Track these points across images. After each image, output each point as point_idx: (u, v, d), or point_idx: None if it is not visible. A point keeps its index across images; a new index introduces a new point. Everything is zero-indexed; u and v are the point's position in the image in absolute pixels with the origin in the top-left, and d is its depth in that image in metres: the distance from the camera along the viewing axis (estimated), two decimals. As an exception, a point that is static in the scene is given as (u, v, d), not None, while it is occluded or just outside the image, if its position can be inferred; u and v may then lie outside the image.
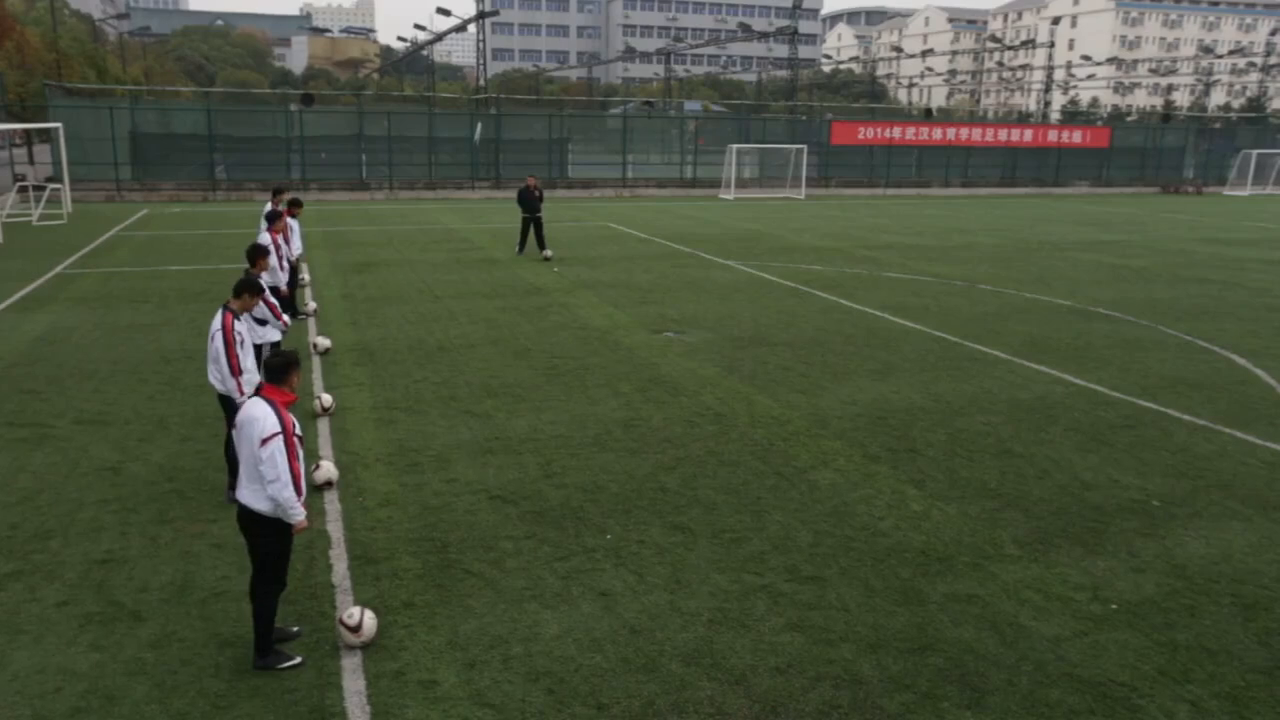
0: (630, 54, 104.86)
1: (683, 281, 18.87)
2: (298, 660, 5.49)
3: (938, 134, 49.49)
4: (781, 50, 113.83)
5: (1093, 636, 5.93)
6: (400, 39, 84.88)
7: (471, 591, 6.34)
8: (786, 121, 52.51)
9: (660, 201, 40.07)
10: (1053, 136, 52.40)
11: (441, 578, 6.52)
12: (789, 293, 17.81)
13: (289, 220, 13.82)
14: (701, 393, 11.03)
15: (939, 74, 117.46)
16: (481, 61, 62.37)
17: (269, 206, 14.28)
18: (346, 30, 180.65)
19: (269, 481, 5.21)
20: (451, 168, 41.62)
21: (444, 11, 60.39)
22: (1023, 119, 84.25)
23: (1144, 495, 8.22)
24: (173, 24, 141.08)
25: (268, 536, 5.39)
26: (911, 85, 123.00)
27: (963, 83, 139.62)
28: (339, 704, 5.15)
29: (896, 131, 48.47)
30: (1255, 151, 52.77)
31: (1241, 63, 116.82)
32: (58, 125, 32.37)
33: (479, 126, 41.81)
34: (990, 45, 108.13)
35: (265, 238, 12.16)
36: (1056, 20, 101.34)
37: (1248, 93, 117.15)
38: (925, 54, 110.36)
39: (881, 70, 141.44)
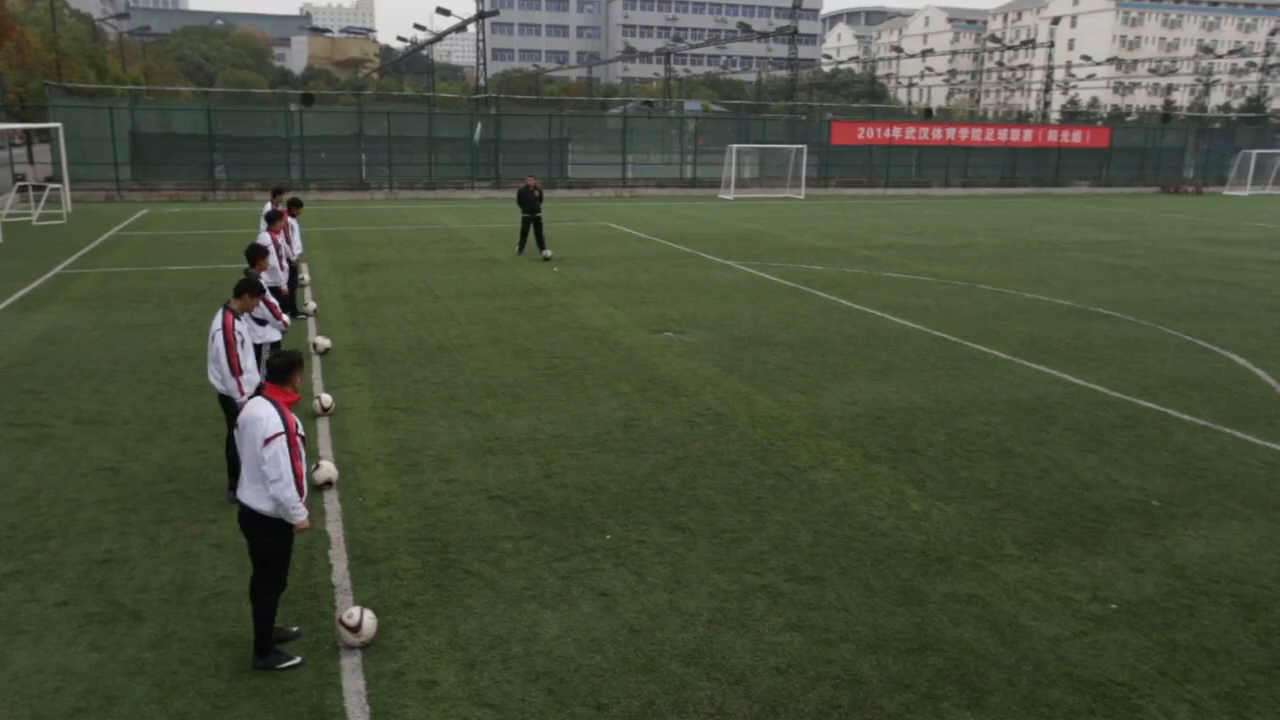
0: (630, 54, 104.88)
1: (683, 281, 18.87)
2: (297, 660, 5.49)
3: (937, 134, 49.50)
4: (781, 50, 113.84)
5: (1092, 636, 5.93)
6: (400, 39, 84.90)
7: (471, 591, 6.34)
8: (786, 121, 52.51)
9: (660, 201, 40.07)
10: (1053, 136, 52.40)
11: (441, 578, 6.52)
12: (789, 293, 17.81)
13: (289, 220, 13.83)
14: (701, 393, 11.03)
15: (939, 74, 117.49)
16: (481, 61, 62.38)
17: (269, 206, 14.28)
18: (346, 30, 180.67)
19: (271, 481, 5.21)
20: (451, 168, 41.62)
21: (444, 11, 60.41)
22: (1022, 119, 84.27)
23: (1144, 495, 8.22)
24: (172, 24, 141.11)
25: (269, 537, 5.39)
26: (911, 85, 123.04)
27: (963, 83, 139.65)
28: (339, 704, 5.15)
29: (896, 131, 48.47)
30: (1255, 151, 52.78)
31: (1241, 63, 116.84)
32: (57, 125, 32.38)
33: (479, 126, 41.81)
34: (990, 45, 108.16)
35: (265, 237, 12.17)
36: (1056, 20, 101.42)
37: (1247, 93, 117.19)
38: (925, 54, 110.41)
39: (881, 70, 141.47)
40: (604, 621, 6.00)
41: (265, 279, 10.88)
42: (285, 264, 12.70)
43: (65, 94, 42.53)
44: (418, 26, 69.65)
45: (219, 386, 7.47)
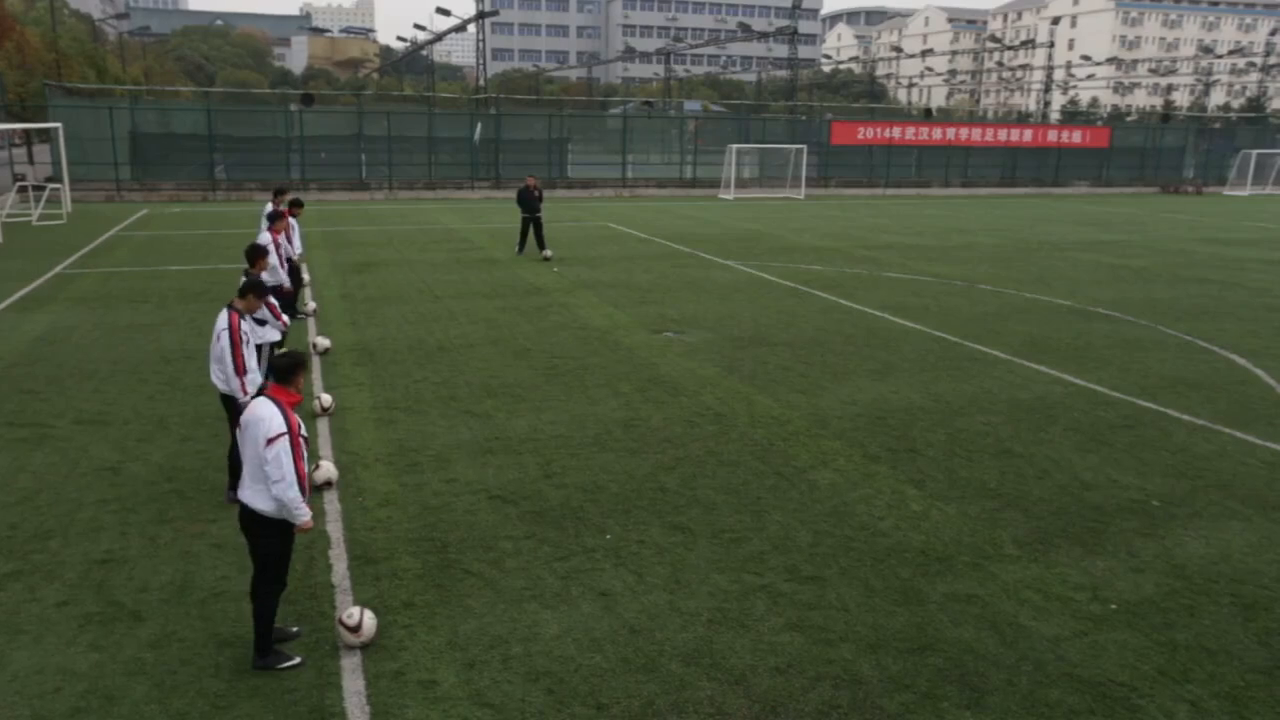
0: (630, 54, 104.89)
1: (682, 281, 18.87)
2: (297, 660, 5.49)
3: (937, 134, 49.49)
4: (781, 50, 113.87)
5: (1092, 636, 5.93)
6: (400, 39, 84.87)
7: (471, 591, 6.34)
8: (786, 121, 52.51)
9: (660, 201, 40.07)
10: (1052, 136, 52.39)
11: (441, 578, 6.52)
12: (789, 293, 17.81)
13: (289, 220, 13.83)
14: (701, 393, 11.03)
15: (939, 74, 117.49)
16: (481, 61, 62.39)
17: (269, 206, 14.28)
18: (346, 30, 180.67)
19: (274, 482, 5.20)
20: (451, 168, 41.62)
21: (444, 11, 60.42)
22: (1022, 119, 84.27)
23: (1143, 495, 8.22)
24: (172, 24, 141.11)
25: (269, 537, 5.39)
26: (911, 85, 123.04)
27: (962, 83, 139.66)
28: (339, 704, 5.15)
29: (896, 131, 48.46)
30: (1255, 151, 52.78)
31: (1241, 63, 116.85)
32: (57, 125, 32.37)
33: (479, 126, 41.81)
34: (990, 45, 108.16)
35: (265, 237, 12.16)
36: (1056, 20, 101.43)
37: (1247, 93, 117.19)
38: (925, 54, 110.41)
39: (881, 70, 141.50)
40: (604, 621, 6.00)
41: (266, 278, 10.92)
42: (285, 264, 12.69)
43: (65, 94, 42.52)
44: (418, 26, 69.66)
45: (221, 386, 7.48)
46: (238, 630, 5.79)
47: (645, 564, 6.79)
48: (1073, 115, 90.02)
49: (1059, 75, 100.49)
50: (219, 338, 7.31)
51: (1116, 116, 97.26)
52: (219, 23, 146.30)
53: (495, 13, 64.49)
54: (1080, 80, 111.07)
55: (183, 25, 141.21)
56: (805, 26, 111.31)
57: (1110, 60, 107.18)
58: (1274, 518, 7.81)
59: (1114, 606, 6.31)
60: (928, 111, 63.32)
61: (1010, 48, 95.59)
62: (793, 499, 7.99)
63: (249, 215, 30.63)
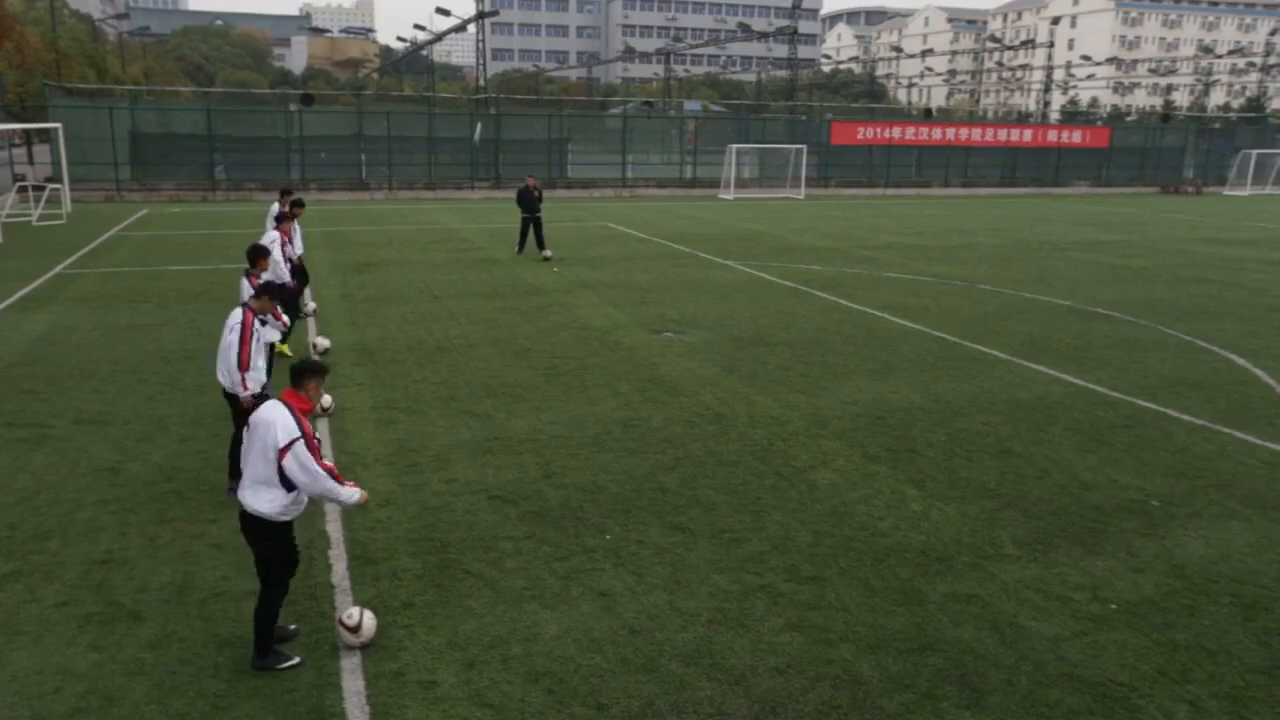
0: (630, 54, 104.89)
1: (682, 281, 18.87)
2: (297, 660, 5.49)
3: (937, 134, 49.50)
4: (781, 50, 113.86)
5: (1092, 636, 5.93)
6: (400, 39, 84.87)
7: (471, 592, 6.34)
8: (786, 121, 52.54)
9: (660, 201, 40.07)
10: (1052, 136, 52.40)
11: (441, 578, 6.52)
12: (788, 293, 17.81)
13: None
14: (701, 393, 11.03)
15: (939, 74, 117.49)
16: (481, 61, 62.38)
17: (276, 207, 14.30)
18: (346, 30, 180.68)
19: (305, 485, 5.21)
20: (451, 168, 41.62)
21: (443, 11, 60.42)
22: (1022, 119, 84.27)
23: (1143, 495, 8.22)
24: (172, 24, 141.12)
25: (267, 540, 5.39)
26: (911, 85, 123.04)
27: (962, 83, 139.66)
28: (338, 704, 5.15)
29: (896, 131, 48.47)
30: (1255, 151, 52.78)
31: (1241, 63, 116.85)
32: (57, 125, 32.38)
33: (478, 126, 41.81)
34: (990, 45, 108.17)
35: (271, 235, 12.18)
36: (1056, 20, 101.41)
37: (1247, 93, 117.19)
38: (925, 54, 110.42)
39: (881, 70, 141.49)
40: (604, 622, 6.00)
41: (267, 278, 10.96)
42: (287, 263, 12.70)
43: (65, 94, 42.53)
44: (417, 27, 69.66)
45: (225, 383, 7.52)
46: (237, 630, 5.79)
47: (645, 564, 6.79)
48: (1073, 115, 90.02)
49: (1059, 75, 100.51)
50: (229, 331, 7.39)
51: (1116, 116, 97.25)
52: (219, 23, 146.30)
53: (495, 13, 64.49)
54: (1080, 80, 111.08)
55: (182, 25, 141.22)
56: (805, 26, 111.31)
57: (1110, 60, 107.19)
58: (1274, 518, 7.81)
59: (1114, 606, 6.31)
60: (928, 111, 63.32)
61: (1010, 48, 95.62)
62: (792, 499, 7.99)
63: (249, 215, 30.63)
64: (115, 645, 5.65)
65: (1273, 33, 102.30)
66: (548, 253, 21.68)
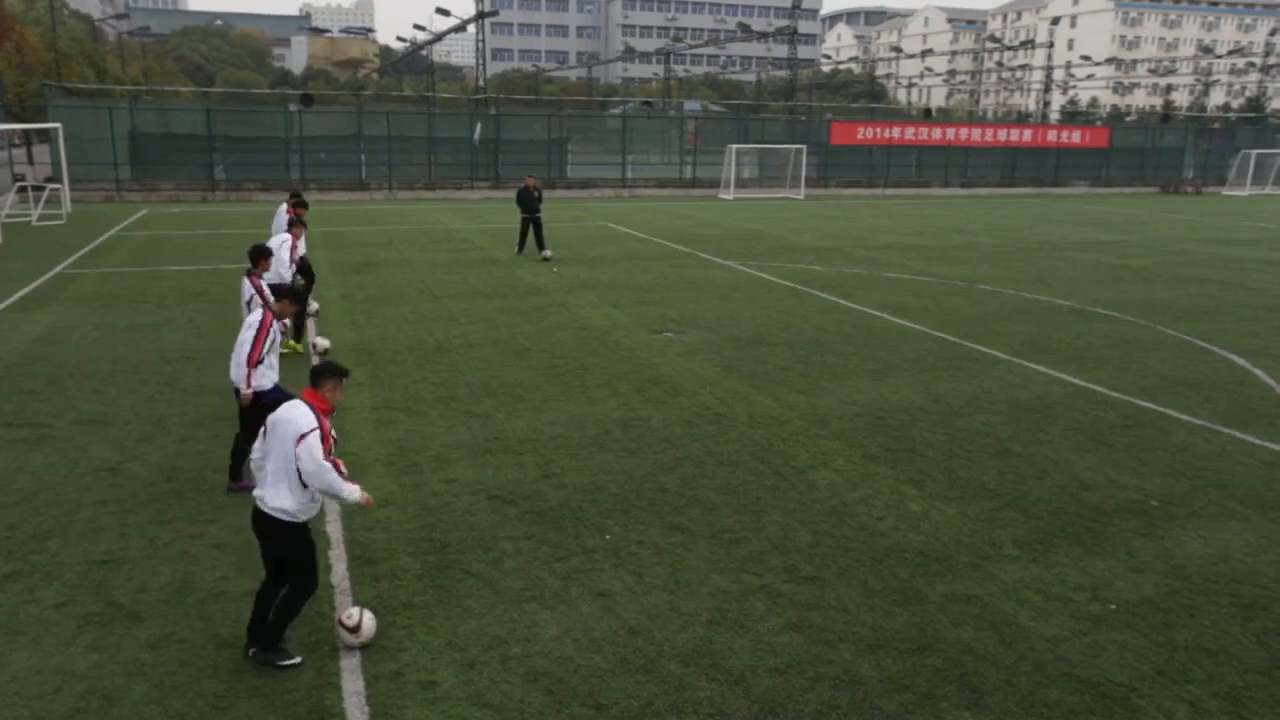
0: (630, 54, 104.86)
1: (682, 282, 18.87)
2: (298, 660, 5.49)
3: (937, 134, 49.51)
4: (781, 50, 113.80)
5: (1091, 637, 5.93)
6: (400, 39, 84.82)
7: (470, 592, 6.34)
8: (786, 121, 52.54)
9: (659, 201, 40.07)
10: (1052, 136, 52.41)
11: (440, 578, 6.52)
12: (788, 293, 17.81)
13: (285, 219, 13.87)
14: (701, 393, 11.03)
15: (938, 74, 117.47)
16: (481, 62, 62.37)
17: (285, 212, 14.37)
18: (346, 30, 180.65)
19: (310, 474, 5.24)
20: (451, 168, 41.62)
21: (443, 12, 60.43)
22: (1022, 119, 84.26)
23: (1143, 495, 8.22)
24: (172, 24, 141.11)
25: (286, 542, 5.41)
26: (911, 85, 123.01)
27: (962, 83, 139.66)
28: (338, 705, 5.15)
29: (896, 131, 48.47)
30: (1254, 151, 52.77)
31: (1241, 63, 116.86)
32: (57, 125, 32.37)
33: (478, 127, 41.81)
34: (989, 45, 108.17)
35: (282, 237, 12.20)
36: (1056, 20, 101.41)
37: (1247, 93, 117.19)
38: (924, 54, 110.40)
39: (881, 70, 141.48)
40: (603, 622, 6.00)
41: (271, 278, 11.04)
42: (294, 265, 12.72)
43: (65, 94, 42.53)
44: (417, 27, 69.64)
45: (235, 378, 7.62)
46: (237, 631, 5.79)
47: (644, 564, 6.79)
48: (1072, 115, 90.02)
49: (1058, 75, 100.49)
50: (247, 329, 7.53)
51: (1116, 116, 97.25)
52: (218, 23, 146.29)
53: (495, 13, 64.48)
54: (1080, 80, 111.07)
55: (182, 25, 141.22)
56: (805, 27, 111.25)
57: (1110, 60, 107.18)
58: (1273, 518, 7.81)
59: (1113, 606, 6.31)
60: (927, 111, 63.33)
61: (1010, 48, 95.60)
62: (792, 499, 7.99)
63: (249, 215, 30.63)
64: (115, 646, 5.65)
65: (1272, 33, 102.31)
66: (547, 253, 21.68)
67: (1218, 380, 12.09)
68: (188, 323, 14.37)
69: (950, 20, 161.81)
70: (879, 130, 48.02)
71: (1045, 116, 77.12)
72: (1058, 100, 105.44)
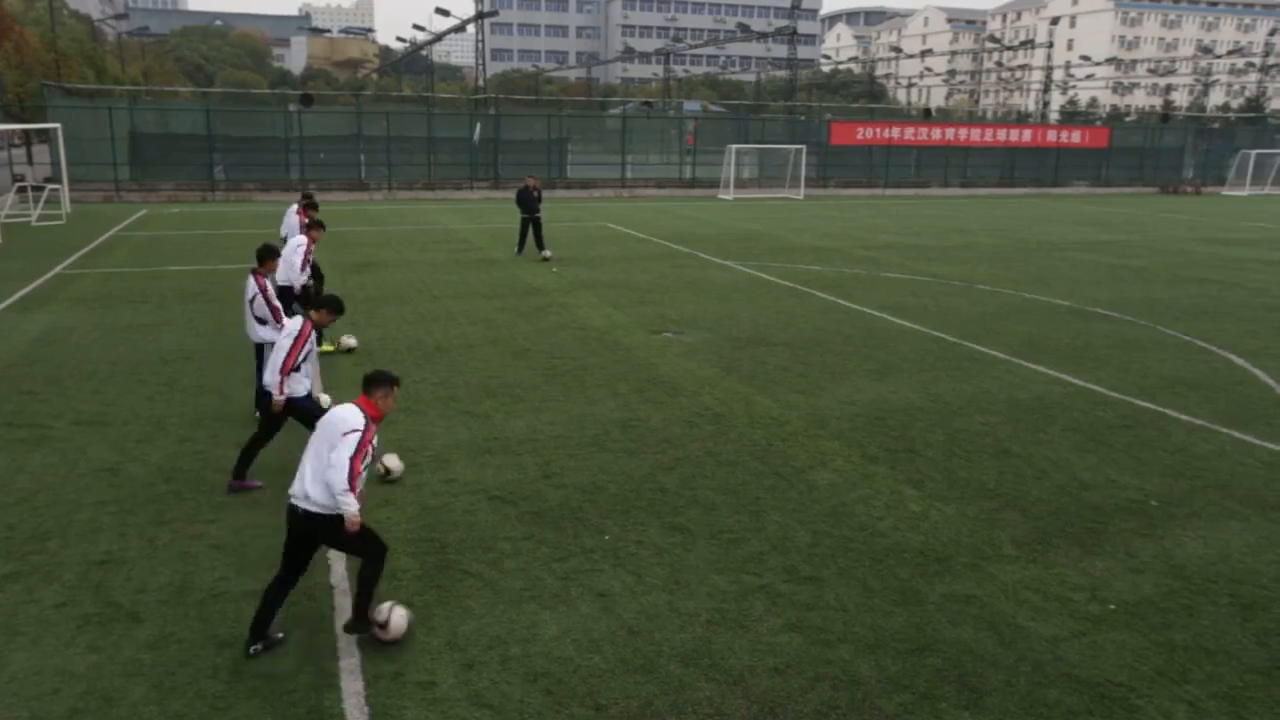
0: (629, 54, 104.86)
1: (681, 282, 18.87)
2: (280, 636, 5.62)
3: (936, 134, 49.51)
4: (780, 50, 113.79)
5: (1091, 637, 5.93)
6: (399, 39, 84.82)
7: (470, 592, 6.34)
8: (785, 122, 52.53)
9: (659, 202, 40.07)
10: (1052, 136, 52.41)
11: (440, 578, 6.52)
12: (788, 293, 17.81)
13: (297, 220, 13.99)
14: (700, 393, 11.03)
15: (938, 74, 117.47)
16: (480, 62, 62.35)
17: (296, 216, 14.41)
18: (345, 31, 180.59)
19: (330, 465, 5.34)
20: (450, 168, 41.61)
21: (443, 12, 60.40)
22: (1022, 119, 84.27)
23: (1142, 495, 8.22)
24: (171, 24, 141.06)
25: (336, 530, 5.50)
26: (910, 85, 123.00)
27: (962, 83, 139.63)
28: (337, 705, 5.15)
29: (895, 132, 48.47)
30: (1254, 151, 52.78)
31: (1240, 63, 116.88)
32: (56, 125, 32.35)
33: (478, 127, 41.80)
34: (989, 45, 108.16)
35: (299, 240, 12.23)
36: (1055, 20, 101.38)
37: (1246, 93, 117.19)
38: (924, 54, 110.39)
39: (880, 70, 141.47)
40: (602, 622, 6.00)
41: (279, 279, 11.26)
42: (308, 267, 12.74)
43: (64, 94, 42.51)
44: (417, 27, 69.62)
45: (267, 382, 7.73)
46: (236, 631, 5.79)
47: (644, 564, 6.79)
48: (1072, 115, 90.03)
49: (1058, 75, 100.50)
50: (285, 336, 7.62)
51: (1115, 116, 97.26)
52: (218, 23, 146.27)
53: (494, 13, 64.47)
54: (1079, 80, 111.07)
55: (182, 25, 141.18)
56: (804, 27, 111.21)
57: (1109, 60, 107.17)
58: (1272, 518, 7.82)
59: (1112, 607, 6.31)
60: (927, 112, 63.32)
61: (1009, 48, 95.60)
62: (791, 499, 7.99)
63: (248, 215, 30.64)
64: (114, 646, 5.65)
65: (1272, 33, 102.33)
66: (547, 253, 21.67)
67: (1217, 380, 12.09)
68: (187, 323, 14.37)
69: (950, 20, 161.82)
70: (878, 130, 48.02)
71: (1045, 116, 77.12)
72: (1057, 100, 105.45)
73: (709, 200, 41.16)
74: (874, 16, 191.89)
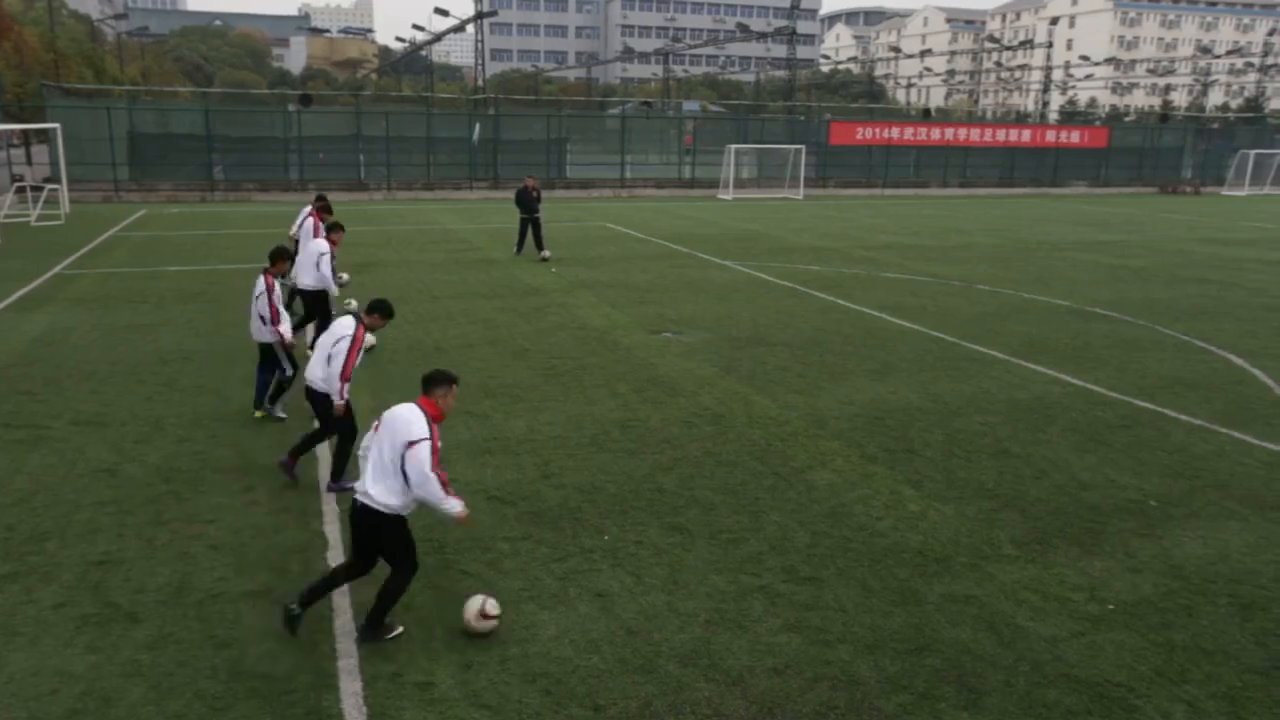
0: (629, 54, 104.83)
1: (681, 282, 18.86)
2: (400, 630, 5.75)
3: (936, 134, 49.50)
4: (780, 50, 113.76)
5: (1090, 637, 5.93)
6: (399, 39, 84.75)
7: (468, 592, 6.32)
8: (785, 122, 52.52)
9: (658, 202, 40.06)
10: (1051, 137, 52.41)
11: (439, 578, 6.51)
12: (787, 293, 17.81)
13: (311, 222, 14.12)
14: (699, 393, 11.03)
15: (937, 74, 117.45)
16: (480, 62, 62.35)
17: (311, 218, 14.49)
18: (345, 31, 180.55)
19: (416, 485, 5.42)
20: (450, 168, 41.59)
21: (442, 12, 60.36)
22: (1021, 119, 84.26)
23: (1141, 495, 8.22)
24: (171, 24, 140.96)
25: (394, 532, 5.58)
26: (910, 85, 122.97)
27: (961, 83, 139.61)
28: (335, 705, 5.14)
29: (895, 132, 48.47)
30: (1253, 151, 52.77)
31: (1239, 63, 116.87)
32: (55, 126, 32.32)
33: (477, 127, 41.79)
34: (988, 45, 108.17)
35: (321, 245, 12.31)
36: (1055, 20, 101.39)
37: (1245, 93, 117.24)
38: (923, 54, 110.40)
39: (880, 70, 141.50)
40: (601, 622, 6.00)
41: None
42: (333, 269, 12.80)
43: (63, 94, 42.49)
44: (416, 27, 69.61)
45: (320, 385, 7.78)
46: (234, 632, 5.79)
47: (643, 565, 6.78)
48: (1071, 115, 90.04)
49: (1057, 75, 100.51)
50: (339, 340, 7.65)
51: (1115, 116, 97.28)
52: (217, 23, 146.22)
53: (494, 13, 64.46)
54: (1079, 80, 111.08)
55: (181, 25, 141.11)
56: (804, 27, 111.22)
57: (1108, 60, 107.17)
58: (1271, 518, 7.82)
59: (1111, 607, 6.31)
60: (926, 112, 63.33)
61: (1009, 48, 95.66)
62: (790, 499, 7.99)
63: (247, 216, 30.63)
64: (112, 647, 5.64)
65: (1271, 33, 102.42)
66: (546, 253, 21.67)
67: (1216, 380, 12.09)
68: (186, 323, 14.36)
69: (949, 20, 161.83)
70: (878, 130, 48.02)
71: (1044, 117, 77.13)
72: (1056, 100, 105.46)
73: (708, 200, 41.15)
74: (873, 16, 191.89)
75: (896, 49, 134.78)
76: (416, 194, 40.13)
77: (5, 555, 6.77)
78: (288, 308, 13.40)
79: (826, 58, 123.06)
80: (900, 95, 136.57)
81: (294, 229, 14.88)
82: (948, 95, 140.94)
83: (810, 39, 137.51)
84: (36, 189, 31.14)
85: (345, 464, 7.99)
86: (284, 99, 54.06)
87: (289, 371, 9.68)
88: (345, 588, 6.36)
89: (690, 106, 73.48)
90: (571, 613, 6.11)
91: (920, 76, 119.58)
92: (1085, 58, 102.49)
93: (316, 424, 8.11)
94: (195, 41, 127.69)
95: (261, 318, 9.39)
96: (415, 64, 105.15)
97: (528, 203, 21.89)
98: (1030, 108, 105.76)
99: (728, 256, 22.62)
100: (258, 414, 9.85)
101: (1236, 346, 14.00)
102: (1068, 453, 9.26)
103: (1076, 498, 8.15)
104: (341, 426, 7.91)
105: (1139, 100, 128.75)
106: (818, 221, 32.08)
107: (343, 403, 7.74)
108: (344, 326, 7.69)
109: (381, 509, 5.52)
